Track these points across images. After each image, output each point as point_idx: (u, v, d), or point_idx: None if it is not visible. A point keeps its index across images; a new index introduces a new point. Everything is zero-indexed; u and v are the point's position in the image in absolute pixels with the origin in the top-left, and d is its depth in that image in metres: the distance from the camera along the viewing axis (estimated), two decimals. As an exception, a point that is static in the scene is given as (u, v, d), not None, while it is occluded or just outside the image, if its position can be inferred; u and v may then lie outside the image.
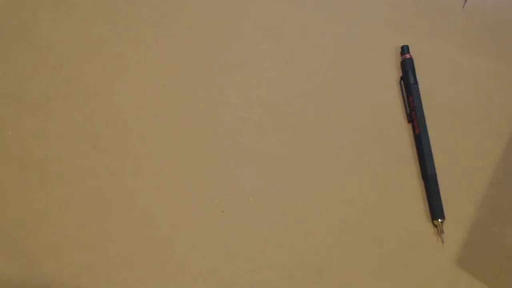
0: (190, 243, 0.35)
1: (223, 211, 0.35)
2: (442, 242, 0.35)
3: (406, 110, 0.39)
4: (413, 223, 0.36)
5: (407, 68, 0.39)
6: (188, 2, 0.42)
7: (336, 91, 0.39)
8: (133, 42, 0.40)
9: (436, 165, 0.37)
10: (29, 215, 0.36)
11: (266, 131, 0.38)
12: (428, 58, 0.40)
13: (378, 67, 0.40)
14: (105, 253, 0.34)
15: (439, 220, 0.35)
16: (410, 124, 0.38)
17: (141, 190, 0.36)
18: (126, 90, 0.39)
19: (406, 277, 0.34)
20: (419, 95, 0.38)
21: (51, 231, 0.35)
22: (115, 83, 0.40)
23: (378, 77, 0.40)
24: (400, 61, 0.40)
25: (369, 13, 0.42)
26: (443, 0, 0.42)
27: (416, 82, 0.39)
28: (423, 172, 0.37)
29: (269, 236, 0.35)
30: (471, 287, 0.34)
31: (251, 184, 0.36)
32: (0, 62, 0.40)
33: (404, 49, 0.40)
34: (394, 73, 0.40)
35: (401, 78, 0.39)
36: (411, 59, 0.39)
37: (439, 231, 0.35)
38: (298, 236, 0.35)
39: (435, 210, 0.36)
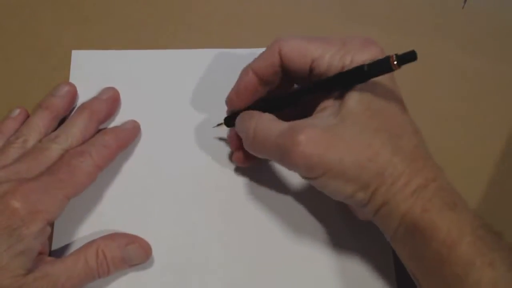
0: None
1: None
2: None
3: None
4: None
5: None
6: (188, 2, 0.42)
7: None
8: (133, 42, 0.40)
9: (436, 165, 0.37)
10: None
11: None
12: (428, 58, 0.40)
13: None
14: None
15: (440, 220, 0.35)
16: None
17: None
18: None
19: (407, 277, 0.34)
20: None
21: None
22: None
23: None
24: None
25: (368, 13, 0.42)
26: (443, 0, 0.42)
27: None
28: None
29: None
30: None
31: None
32: (0, 62, 0.40)
33: None
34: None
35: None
36: None
37: (440, 231, 0.35)
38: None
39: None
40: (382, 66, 0.27)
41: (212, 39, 0.40)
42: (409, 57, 0.26)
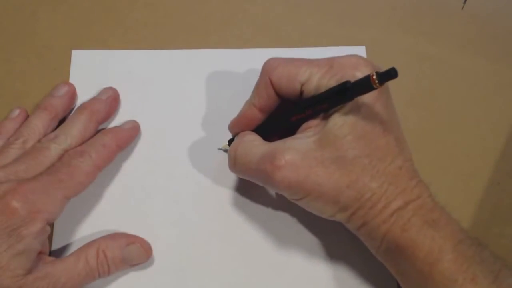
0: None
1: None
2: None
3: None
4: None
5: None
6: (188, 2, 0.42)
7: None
8: (133, 42, 0.40)
9: (436, 165, 0.37)
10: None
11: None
12: (428, 58, 0.40)
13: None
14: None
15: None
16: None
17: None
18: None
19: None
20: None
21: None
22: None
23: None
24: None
25: (368, 13, 0.42)
26: (443, 1, 0.42)
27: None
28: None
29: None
30: None
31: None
32: (0, 62, 0.40)
33: None
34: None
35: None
36: None
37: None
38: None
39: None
40: (363, 85, 0.26)
41: (212, 39, 0.40)
42: (389, 74, 0.25)
